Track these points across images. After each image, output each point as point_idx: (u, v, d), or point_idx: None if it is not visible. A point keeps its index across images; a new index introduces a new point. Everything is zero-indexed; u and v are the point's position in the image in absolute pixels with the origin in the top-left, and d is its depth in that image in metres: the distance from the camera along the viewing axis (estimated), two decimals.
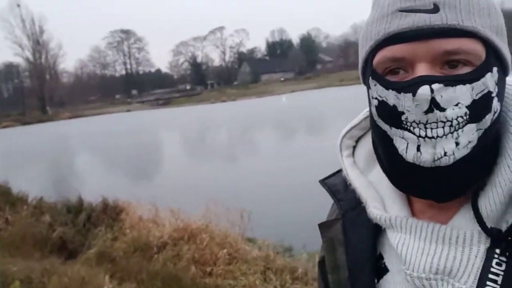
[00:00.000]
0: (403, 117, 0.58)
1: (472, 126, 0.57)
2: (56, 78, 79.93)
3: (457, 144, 0.56)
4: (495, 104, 0.59)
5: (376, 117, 0.63)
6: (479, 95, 0.57)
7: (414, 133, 0.58)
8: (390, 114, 0.60)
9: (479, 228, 0.59)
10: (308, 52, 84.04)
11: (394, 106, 0.59)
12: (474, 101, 0.56)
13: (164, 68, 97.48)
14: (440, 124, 0.56)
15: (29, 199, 8.82)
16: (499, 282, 0.57)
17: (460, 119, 0.56)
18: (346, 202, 0.76)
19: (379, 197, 0.70)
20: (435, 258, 0.60)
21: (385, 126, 0.62)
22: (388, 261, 0.68)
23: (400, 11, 0.59)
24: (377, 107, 0.62)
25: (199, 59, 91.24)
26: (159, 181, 13.14)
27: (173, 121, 36.94)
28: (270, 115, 30.37)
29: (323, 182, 0.81)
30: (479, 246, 0.59)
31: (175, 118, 39.43)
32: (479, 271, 0.58)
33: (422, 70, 0.57)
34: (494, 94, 0.58)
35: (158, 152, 20.58)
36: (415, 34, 0.57)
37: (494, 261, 0.58)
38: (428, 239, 0.62)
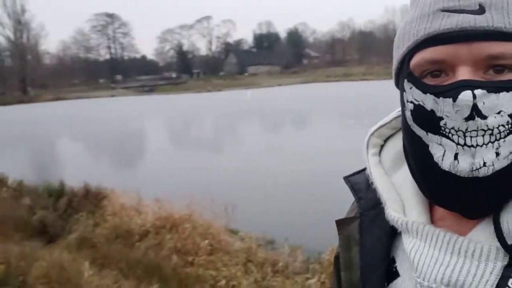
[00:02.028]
0: (441, 123, 0.55)
1: None
2: (38, 59, 77.95)
3: (497, 154, 0.54)
4: None
5: (410, 122, 0.60)
6: None
7: (453, 140, 0.55)
8: (427, 119, 0.57)
9: (498, 244, 0.56)
10: (295, 47, 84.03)
11: (432, 111, 0.56)
12: None
13: (150, 55, 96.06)
14: (480, 133, 0.53)
15: (9, 181, 8.68)
16: None
17: (501, 128, 0.53)
18: (366, 201, 0.74)
19: (400, 200, 0.68)
20: (448, 270, 0.58)
21: (420, 132, 0.59)
22: (400, 265, 0.66)
23: (443, 10, 0.56)
24: (412, 111, 0.59)
25: (185, 48, 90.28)
26: (144, 169, 13.05)
27: (160, 108, 36.60)
28: (256, 107, 30.35)
29: (347, 179, 0.79)
30: (496, 263, 0.56)
31: (163, 106, 39.08)
32: None
33: (464, 74, 0.54)
34: None
35: (144, 140, 20.38)
36: (458, 36, 0.54)
37: (511, 280, 0.55)
38: (444, 249, 0.59)
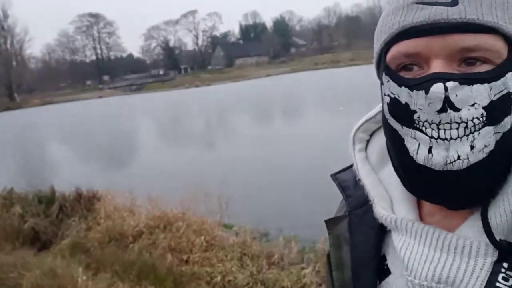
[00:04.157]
0: (415, 116, 0.55)
1: (489, 129, 0.53)
2: (23, 64, 77.08)
3: (472, 147, 0.53)
4: None
5: (387, 115, 0.60)
6: (498, 95, 0.53)
7: (426, 134, 0.54)
8: (402, 113, 0.57)
9: (487, 240, 0.55)
10: (282, 36, 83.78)
11: (406, 104, 0.56)
12: (491, 102, 0.52)
13: (136, 53, 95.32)
14: (454, 125, 0.53)
15: None
16: None
17: (476, 121, 0.52)
18: (354, 199, 0.73)
19: (388, 196, 0.68)
20: (439, 267, 0.58)
21: (396, 125, 0.58)
22: (391, 263, 0.66)
23: (417, 3, 0.55)
24: (388, 105, 0.59)
25: (171, 44, 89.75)
26: (137, 168, 12.98)
27: (148, 106, 36.41)
28: (247, 99, 30.28)
29: (334, 176, 0.78)
30: (486, 259, 0.56)
31: (150, 103, 38.90)
32: (483, 284, 0.55)
33: (437, 66, 0.54)
34: None
35: (134, 138, 20.27)
36: (430, 28, 0.54)
37: (501, 275, 0.54)
38: (433, 246, 0.59)
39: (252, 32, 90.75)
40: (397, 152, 0.60)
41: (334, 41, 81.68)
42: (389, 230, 0.66)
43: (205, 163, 11.80)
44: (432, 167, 0.54)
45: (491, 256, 0.55)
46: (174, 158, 13.40)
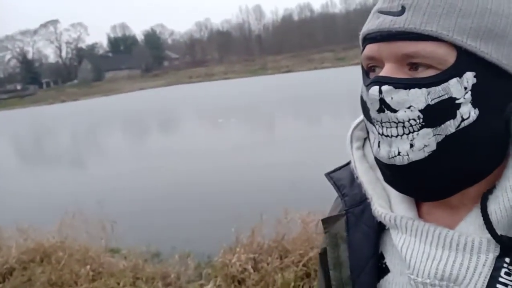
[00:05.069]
0: (369, 113, 0.60)
1: (427, 131, 0.55)
2: None
3: (411, 146, 0.56)
4: (465, 111, 0.55)
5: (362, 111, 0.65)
6: (436, 100, 0.55)
7: (376, 129, 0.59)
8: (365, 109, 0.62)
9: (489, 236, 0.56)
10: (154, 49, 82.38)
11: (365, 102, 0.61)
12: (428, 105, 0.55)
13: None
14: (393, 125, 0.57)
15: None
16: None
17: (413, 122, 0.56)
18: (350, 197, 0.73)
19: (386, 194, 0.68)
20: (441, 264, 0.58)
21: (365, 120, 0.64)
22: (389, 261, 0.67)
23: (379, 12, 0.60)
24: (360, 101, 0.64)
25: (30, 56, 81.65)
26: None
27: (3, 125, 32.36)
28: (121, 114, 28.86)
29: (329, 175, 0.78)
30: (488, 255, 0.57)
31: (6, 121, 34.66)
32: (487, 280, 0.56)
33: (386, 70, 0.58)
34: (461, 101, 0.55)
35: None
36: (377, 35, 0.58)
37: (503, 270, 0.56)
38: (435, 243, 0.60)
39: (122, 45, 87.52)
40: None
41: (207, 55, 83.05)
42: (387, 229, 0.67)
43: (79, 184, 10.86)
44: (381, 160, 0.60)
45: (493, 251, 0.57)
46: (42, 181, 12.09)
